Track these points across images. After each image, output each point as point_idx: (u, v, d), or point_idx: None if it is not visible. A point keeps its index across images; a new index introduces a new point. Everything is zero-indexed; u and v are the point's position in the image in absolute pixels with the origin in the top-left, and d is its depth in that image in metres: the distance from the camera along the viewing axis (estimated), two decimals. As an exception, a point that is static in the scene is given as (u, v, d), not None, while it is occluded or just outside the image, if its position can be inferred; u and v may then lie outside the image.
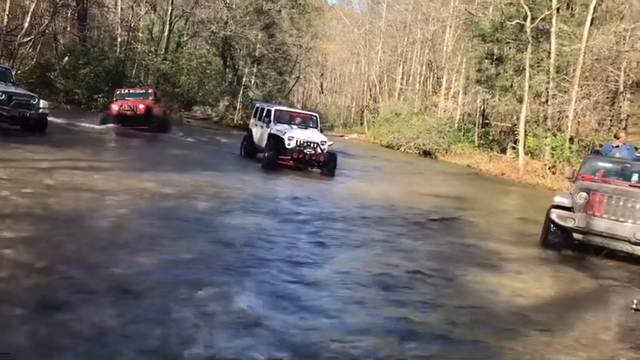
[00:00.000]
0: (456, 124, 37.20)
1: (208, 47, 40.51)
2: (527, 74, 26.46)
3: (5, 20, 24.29)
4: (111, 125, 20.49)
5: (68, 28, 35.37)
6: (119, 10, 36.45)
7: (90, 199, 7.84)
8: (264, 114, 16.76)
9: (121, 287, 4.66)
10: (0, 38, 23.97)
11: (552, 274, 7.89)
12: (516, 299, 6.13)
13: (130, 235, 6.44)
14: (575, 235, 9.00)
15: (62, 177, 9.23)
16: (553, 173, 24.23)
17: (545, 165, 25.03)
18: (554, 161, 24.69)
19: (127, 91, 22.70)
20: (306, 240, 7.51)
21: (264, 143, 16.05)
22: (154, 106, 21.42)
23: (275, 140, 15.51)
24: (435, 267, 7.02)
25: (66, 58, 29.97)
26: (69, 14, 33.69)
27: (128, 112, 20.49)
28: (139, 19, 36.41)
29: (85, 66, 28.33)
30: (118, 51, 33.61)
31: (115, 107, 20.63)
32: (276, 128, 15.76)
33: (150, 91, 23.28)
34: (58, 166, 10.24)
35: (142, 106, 20.63)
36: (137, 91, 23.03)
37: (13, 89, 14.58)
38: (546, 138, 25.66)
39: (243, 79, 40.19)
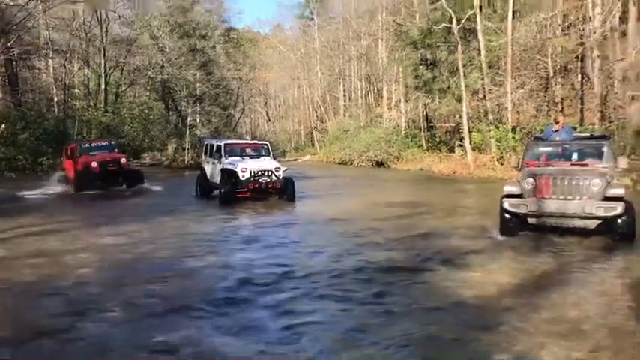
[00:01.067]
0: (403, 132, 37.96)
1: (148, 93, 40.28)
2: (462, 74, 27.33)
3: None
4: (69, 187, 18.84)
5: (0, 96, 34.58)
6: (51, 69, 35.97)
7: (47, 263, 7.70)
8: (214, 150, 16.79)
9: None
10: None
11: (514, 259, 8.17)
12: (485, 290, 6.35)
13: (87, 294, 6.38)
14: (530, 220, 9.38)
15: (12, 245, 9.03)
16: (501, 164, 24.96)
17: (492, 157, 25.77)
18: (501, 152, 25.47)
19: (88, 145, 20.90)
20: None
21: (218, 179, 16.03)
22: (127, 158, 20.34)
23: (229, 174, 15.52)
24: (403, 269, 7.20)
25: (2, 126, 29.19)
26: (-1, 81, 33.00)
27: (113, 168, 18.78)
28: (73, 76, 35.97)
29: (24, 131, 27.69)
30: (56, 110, 33.12)
31: (94, 164, 18.43)
32: (228, 162, 15.79)
33: (113, 142, 21.59)
34: (8, 235, 10.01)
35: (124, 160, 19.18)
36: (100, 144, 21.08)
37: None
38: (490, 131, 26.47)
39: (188, 119, 39.98)
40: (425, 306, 5.81)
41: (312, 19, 62.09)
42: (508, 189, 9.65)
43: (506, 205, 9.34)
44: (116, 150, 20.35)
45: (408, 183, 23.81)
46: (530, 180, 9.25)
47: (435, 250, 8.59)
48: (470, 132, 27.54)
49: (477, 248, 8.79)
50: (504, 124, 26.33)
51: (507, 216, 9.41)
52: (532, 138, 13.77)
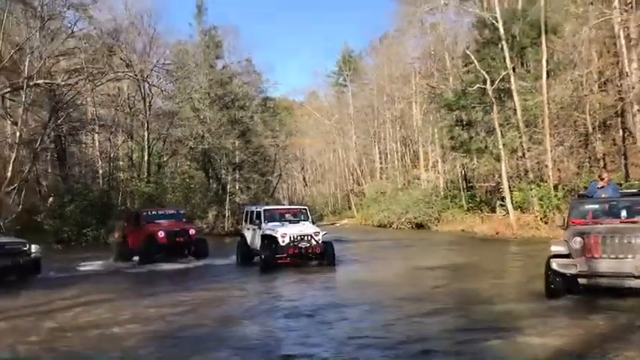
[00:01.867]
0: (442, 192, 37.67)
1: (189, 163, 41.37)
2: (499, 133, 27.25)
3: (-13, 173, 24.87)
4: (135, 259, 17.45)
5: (49, 170, 36.04)
6: (97, 143, 37.48)
7: (95, 336, 7.76)
8: (254, 216, 16.94)
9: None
10: (-16, 191, 24.40)
11: (569, 322, 7.82)
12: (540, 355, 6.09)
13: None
14: (580, 281, 9.02)
15: (63, 317, 9.17)
16: (545, 223, 24.38)
17: (536, 217, 25.22)
18: (544, 211, 24.91)
19: (155, 212, 19.43)
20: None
21: (258, 245, 16.10)
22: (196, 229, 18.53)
23: (269, 240, 15.58)
24: (452, 336, 6.97)
25: (50, 199, 30.36)
26: (48, 157, 34.45)
27: (181, 240, 17.23)
28: (118, 149, 37.34)
29: (70, 203, 28.63)
30: (101, 182, 34.23)
31: (161, 234, 16.97)
32: (268, 228, 15.88)
33: (181, 211, 20.22)
34: (58, 307, 10.17)
35: (193, 231, 17.66)
36: (167, 212, 19.78)
37: (3, 239, 14.68)
38: (531, 190, 26.04)
39: (228, 186, 40.75)
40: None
41: (345, 85, 63.60)
42: (555, 248, 9.36)
43: (554, 266, 9.03)
44: (184, 219, 19.02)
45: (450, 245, 23.39)
46: (579, 239, 8.97)
47: (484, 316, 8.31)
48: (511, 191, 27.13)
49: (526, 312, 8.48)
50: (546, 182, 25.90)
51: (555, 277, 9.09)
52: (576, 195, 13.49)
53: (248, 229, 17.33)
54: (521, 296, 9.81)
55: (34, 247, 14.91)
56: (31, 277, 14.31)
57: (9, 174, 24.90)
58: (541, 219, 24.75)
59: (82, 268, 17.13)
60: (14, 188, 25.73)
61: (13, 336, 7.75)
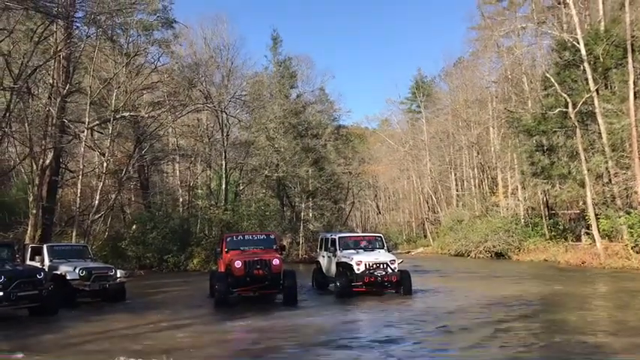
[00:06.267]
0: (522, 220, 36.30)
1: (264, 190, 42.12)
2: (583, 158, 26.07)
3: (78, 202, 26.24)
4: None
5: (133, 198, 37.69)
6: (177, 173, 38.94)
7: (178, 357, 7.90)
8: (329, 243, 16.90)
9: None
10: (75, 219, 25.76)
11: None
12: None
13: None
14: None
15: (147, 340, 9.42)
16: (637, 252, 22.95)
17: (625, 245, 23.79)
18: (635, 240, 23.46)
19: (240, 237, 16.21)
20: None
21: (333, 272, 16.03)
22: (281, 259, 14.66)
23: (344, 267, 15.49)
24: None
25: (134, 227, 31.63)
26: (132, 186, 36.06)
27: (260, 272, 13.81)
28: (197, 178, 38.59)
29: (153, 230, 29.68)
30: (181, 210, 35.40)
31: (238, 264, 13.78)
32: (343, 255, 15.79)
33: (272, 236, 16.57)
34: (143, 331, 10.47)
35: (276, 262, 14.04)
36: (256, 237, 16.63)
37: (91, 264, 15.41)
38: (620, 217, 24.62)
39: (302, 213, 41.13)
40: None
41: (419, 112, 63.12)
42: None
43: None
44: (275, 246, 15.52)
45: (533, 275, 22.34)
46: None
47: (578, 351, 7.82)
48: (597, 218, 25.75)
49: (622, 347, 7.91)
50: (636, 209, 24.43)
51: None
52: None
53: (323, 256, 17.31)
54: (617, 329, 9.15)
55: (119, 272, 15.57)
56: (117, 301, 14.87)
57: (96, 202, 26.22)
58: (632, 248, 23.31)
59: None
60: (101, 216, 27.04)
61: (102, 358, 8.00)
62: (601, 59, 26.44)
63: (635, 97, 24.80)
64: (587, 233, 27.87)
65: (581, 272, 22.27)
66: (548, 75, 29.22)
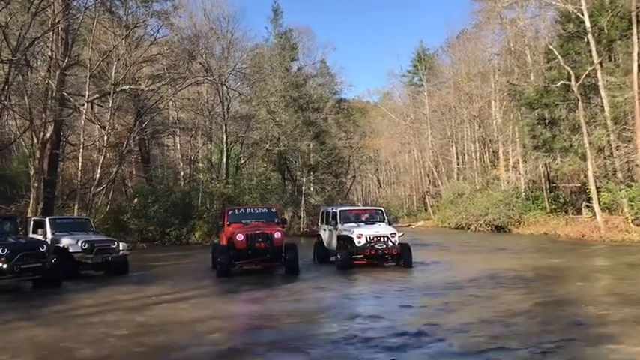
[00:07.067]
0: (523, 194, 36.36)
1: (265, 165, 42.12)
2: (585, 131, 25.96)
3: (79, 176, 26.25)
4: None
5: (134, 172, 37.71)
6: (178, 146, 38.87)
7: (181, 331, 7.99)
8: (330, 217, 16.97)
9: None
10: (76, 192, 25.82)
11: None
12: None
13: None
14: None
15: (150, 312, 9.52)
16: (637, 225, 23.03)
17: (626, 219, 23.85)
18: (635, 213, 23.53)
19: (242, 210, 16.46)
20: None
21: (334, 245, 16.13)
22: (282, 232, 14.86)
23: (345, 240, 15.59)
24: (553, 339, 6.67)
25: (135, 200, 31.71)
26: (133, 159, 36.02)
27: (262, 245, 14.07)
28: (198, 151, 38.54)
29: (154, 204, 29.76)
30: (182, 184, 35.44)
31: (239, 236, 14.05)
32: (344, 228, 15.88)
33: (274, 210, 16.79)
34: (145, 302, 10.57)
35: (278, 235, 14.28)
36: (257, 210, 16.82)
37: (94, 237, 15.49)
38: (620, 191, 24.64)
39: (303, 187, 41.19)
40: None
41: (421, 85, 62.69)
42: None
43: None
44: (276, 219, 15.71)
45: (533, 248, 22.47)
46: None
47: (574, 320, 7.89)
48: (598, 192, 25.76)
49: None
50: (636, 182, 24.43)
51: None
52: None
53: (324, 229, 17.40)
54: (614, 300, 9.23)
55: (122, 245, 15.67)
56: (119, 274, 14.99)
57: (97, 176, 26.22)
58: (632, 221, 23.38)
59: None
60: (103, 189, 27.07)
61: (105, 329, 8.09)
62: (605, 31, 26.13)
63: (639, 70, 24.60)
64: (588, 206, 27.92)
65: (580, 245, 22.38)
66: (551, 47, 28.92)
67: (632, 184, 24.61)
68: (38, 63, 24.77)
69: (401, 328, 7.71)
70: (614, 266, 15.19)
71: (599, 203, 25.52)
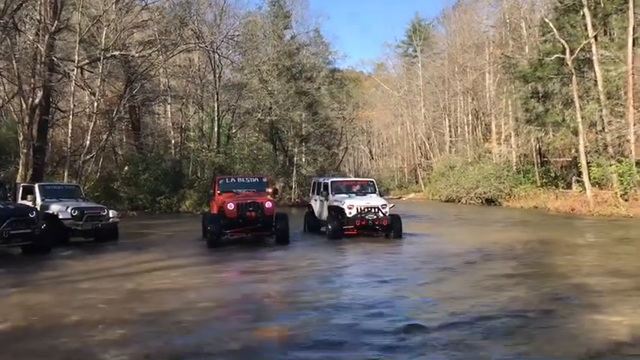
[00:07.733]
0: (514, 167, 36.51)
1: (257, 134, 41.92)
2: (578, 105, 25.96)
3: (69, 142, 26.00)
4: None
5: (124, 140, 37.43)
6: (169, 114, 38.51)
7: (171, 297, 8.00)
8: (321, 188, 16.97)
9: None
10: (66, 159, 25.61)
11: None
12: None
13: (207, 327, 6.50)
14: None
15: (141, 279, 9.53)
16: (626, 200, 23.22)
17: (615, 193, 24.03)
18: (625, 188, 23.70)
19: (233, 180, 16.40)
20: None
21: (325, 216, 16.17)
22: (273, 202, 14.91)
23: (336, 211, 15.62)
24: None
25: (126, 168, 31.56)
26: (124, 127, 35.72)
27: (253, 215, 14.05)
28: (189, 120, 38.24)
29: (145, 172, 29.64)
30: (173, 152, 35.24)
31: (230, 206, 13.97)
32: (335, 199, 15.90)
33: (265, 179, 16.85)
34: (136, 270, 10.57)
35: (269, 205, 14.23)
36: (248, 180, 17.05)
37: (83, 204, 15.41)
38: (611, 166, 24.78)
39: (294, 158, 41.10)
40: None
41: (415, 56, 62.24)
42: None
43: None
44: (267, 188, 15.72)
45: (522, 221, 22.65)
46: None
47: (558, 292, 7.97)
48: (589, 166, 25.89)
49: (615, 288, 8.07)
50: (627, 157, 24.55)
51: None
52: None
53: (315, 200, 17.41)
54: (606, 271, 9.33)
55: (112, 213, 15.60)
56: (109, 241, 14.96)
57: (87, 143, 26.01)
58: (621, 196, 23.57)
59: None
60: (92, 157, 26.88)
61: (95, 295, 8.09)
62: (601, 4, 25.99)
63: (634, 45, 24.52)
64: (578, 181, 28.09)
65: (570, 219, 22.57)
66: (546, 20, 28.74)
67: (623, 159, 24.74)
68: (26, 26, 24.25)
69: (372, 298, 7.75)
70: (602, 241, 15.35)
71: (589, 178, 25.67)
